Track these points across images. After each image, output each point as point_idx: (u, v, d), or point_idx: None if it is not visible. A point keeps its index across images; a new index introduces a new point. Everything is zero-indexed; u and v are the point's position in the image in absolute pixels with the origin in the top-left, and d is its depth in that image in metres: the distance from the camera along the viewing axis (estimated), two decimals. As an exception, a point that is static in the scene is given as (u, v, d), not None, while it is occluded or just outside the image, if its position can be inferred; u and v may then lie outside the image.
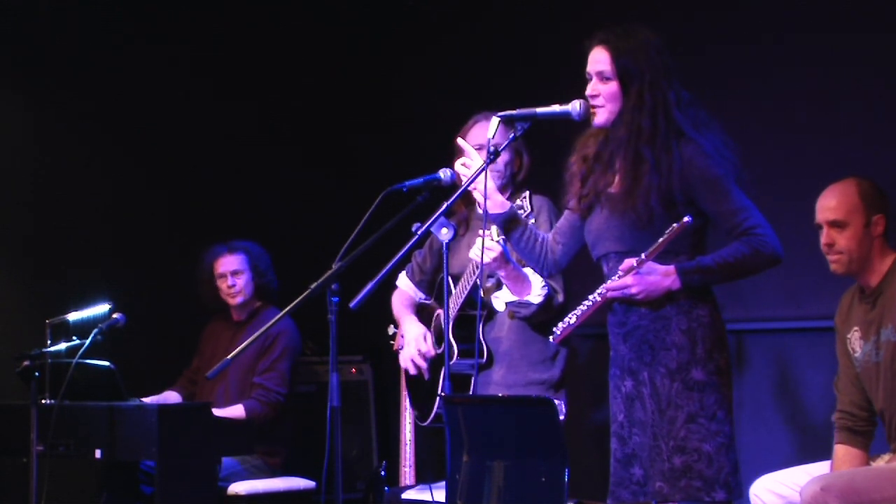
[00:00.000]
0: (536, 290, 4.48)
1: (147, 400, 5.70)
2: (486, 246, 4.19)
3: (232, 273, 5.91)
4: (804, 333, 5.19)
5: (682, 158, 3.71)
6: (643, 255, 3.69)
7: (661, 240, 3.66)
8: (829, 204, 4.08)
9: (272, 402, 5.73)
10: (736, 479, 3.71)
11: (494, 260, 4.30)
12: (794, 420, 5.20)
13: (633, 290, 3.72)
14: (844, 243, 4.04)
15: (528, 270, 4.46)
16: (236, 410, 5.65)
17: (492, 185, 3.99)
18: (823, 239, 4.09)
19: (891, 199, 4.11)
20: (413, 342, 4.80)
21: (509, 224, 4.01)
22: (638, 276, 3.71)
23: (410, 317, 4.92)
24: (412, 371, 4.81)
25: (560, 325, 3.83)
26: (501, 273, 4.43)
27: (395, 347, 5.06)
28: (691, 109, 3.78)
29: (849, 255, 4.05)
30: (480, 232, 4.19)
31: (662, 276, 3.71)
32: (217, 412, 5.45)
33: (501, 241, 4.19)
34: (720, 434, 3.69)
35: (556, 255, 4.03)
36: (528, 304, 4.51)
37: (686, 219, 3.62)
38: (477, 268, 4.45)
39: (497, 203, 4.00)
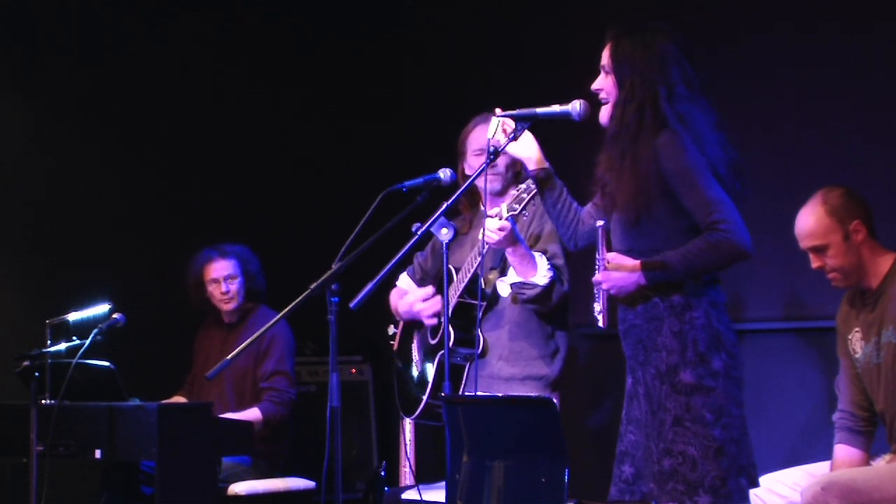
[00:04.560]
0: (542, 271, 4.47)
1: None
2: (495, 226, 4.19)
3: (225, 278, 5.89)
4: (804, 333, 5.19)
5: (655, 148, 3.69)
6: (599, 257, 3.77)
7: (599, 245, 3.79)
8: (803, 232, 4.08)
9: (286, 402, 5.75)
10: (731, 483, 3.66)
11: (504, 238, 4.29)
12: (794, 420, 5.20)
13: (605, 287, 3.78)
14: (832, 262, 4.05)
15: (534, 253, 4.47)
16: (252, 414, 5.65)
17: (534, 144, 4.00)
18: (812, 264, 4.10)
19: (886, 200, 4.11)
20: (419, 294, 4.79)
21: (546, 182, 4.02)
22: (606, 273, 3.77)
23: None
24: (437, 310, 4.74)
25: (596, 309, 3.85)
26: (509, 251, 4.42)
27: (394, 348, 5.05)
28: (682, 104, 3.74)
29: (842, 271, 4.06)
30: (490, 212, 4.19)
31: (630, 272, 3.74)
32: (233, 416, 5.46)
33: (510, 219, 4.19)
34: (707, 438, 3.66)
35: (586, 227, 4.04)
36: (534, 284, 4.50)
37: (599, 222, 3.74)
38: (478, 254, 4.45)
39: (535, 160, 4.01)
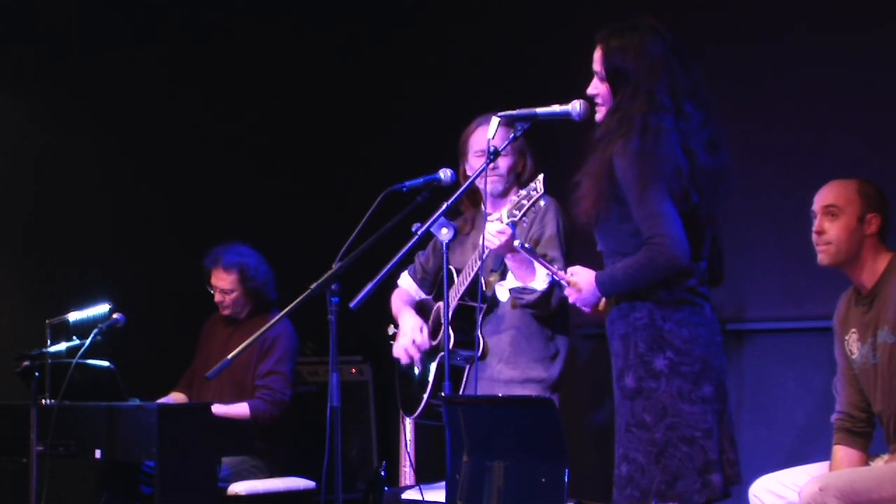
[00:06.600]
0: (541, 275, 4.46)
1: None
2: (495, 230, 4.19)
3: (221, 290, 5.91)
4: (804, 333, 5.19)
5: (611, 157, 3.68)
6: (549, 273, 3.88)
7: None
8: (826, 192, 4.11)
9: (277, 402, 5.73)
10: (682, 484, 3.61)
11: (504, 244, 4.29)
12: (794, 420, 5.20)
13: (571, 301, 3.83)
14: (835, 233, 4.05)
15: None
16: (240, 409, 5.64)
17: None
18: (815, 226, 4.09)
19: (892, 202, 4.11)
20: (409, 332, 4.78)
21: None
22: (570, 289, 3.82)
23: (408, 310, 4.91)
24: (405, 360, 4.79)
25: None
26: (508, 256, 4.42)
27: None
28: (654, 116, 3.68)
29: (837, 245, 4.05)
30: (491, 217, 4.19)
31: (587, 284, 3.77)
32: (219, 409, 5.44)
33: (510, 225, 4.19)
34: (649, 442, 3.65)
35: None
36: (532, 290, 4.50)
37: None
38: (479, 257, 4.45)
39: None
